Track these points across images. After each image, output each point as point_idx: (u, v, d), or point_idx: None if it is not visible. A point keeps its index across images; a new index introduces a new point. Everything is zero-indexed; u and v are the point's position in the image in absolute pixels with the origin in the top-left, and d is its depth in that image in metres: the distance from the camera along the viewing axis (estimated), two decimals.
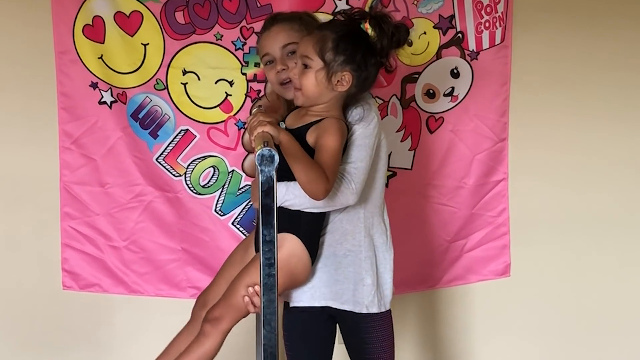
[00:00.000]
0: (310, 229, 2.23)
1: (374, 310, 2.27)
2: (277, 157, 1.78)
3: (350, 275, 2.26)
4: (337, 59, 2.12)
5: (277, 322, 1.80)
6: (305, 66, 2.14)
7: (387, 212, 2.36)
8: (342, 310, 2.27)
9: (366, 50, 2.14)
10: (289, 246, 2.17)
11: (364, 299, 2.26)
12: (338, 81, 2.13)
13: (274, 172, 1.78)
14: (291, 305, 2.33)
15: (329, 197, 2.13)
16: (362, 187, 2.19)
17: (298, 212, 2.17)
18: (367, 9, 2.30)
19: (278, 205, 2.08)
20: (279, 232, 1.98)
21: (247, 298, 2.15)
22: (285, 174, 2.07)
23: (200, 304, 2.33)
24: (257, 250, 2.27)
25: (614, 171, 3.10)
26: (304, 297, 2.29)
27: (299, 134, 2.13)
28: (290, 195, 2.14)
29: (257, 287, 2.14)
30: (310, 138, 2.13)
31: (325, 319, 2.32)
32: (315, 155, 2.09)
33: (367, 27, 2.14)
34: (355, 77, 2.14)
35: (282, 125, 2.23)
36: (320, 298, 2.28)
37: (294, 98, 2.20)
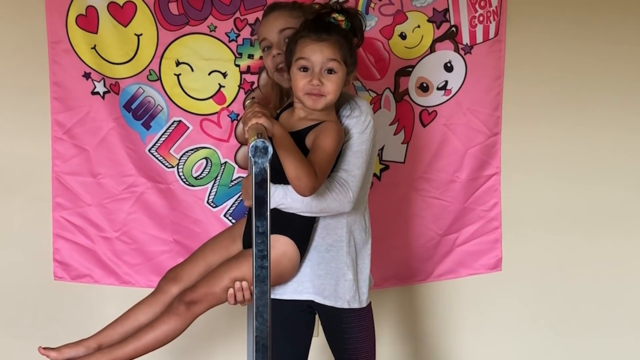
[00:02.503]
0: (303, 229, 2.24)
1: (355, 305, 2.30)
2: (270, 149, 1.77)
3: (332, 270, 2.28)
4: (352, 60, 2.18)
5: (269, 314, 1.80)
6: (330, 71, 2.15)
7: (368, 209, 2.38)
8: (324, 305, 2.29)
9: (352, 43, 2.19)
10: (282, 247, 2.19)
11: (346, 294, 2.28)
12: (348, 81, 2.18)
13: (268, 164, 1.78)
14: (273, 297, 2.32)
15: (326, 204, 2.17)
16: (358, 195, 2.22)
17: (292, 213, 2.18)
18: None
19: (273, 207, 2.10)
20: (273, 232, 2.00)
21: (231, 291, 2.17)
22: (279, 176, 2.09)
23: (170, 278, 2.32)
24: (245, 246, 2.28)
25: (607, 166, 3.11)
26: (287, 290, 2.31)
27: (298, 137, 2.14)
28: (288, 200, 2.16)
29: (244, 283, 2.17)
30: (308, 141, 2.14)
31: (305, 310, 2.34)
32: (310, 153, 2.10)
33: (339, 21, 2.18)
34: (353, 71, 2.21)
35: None
36: (303, 292, 2.30)
37: (313, 103, 2.17)
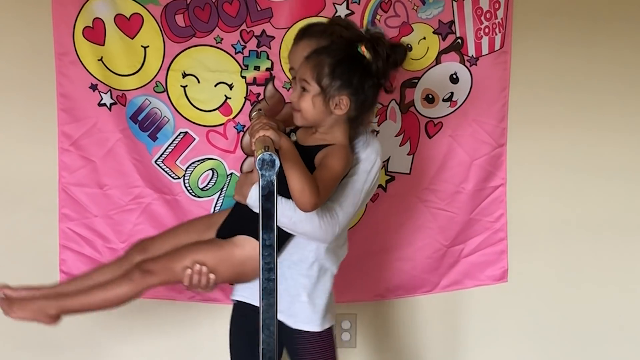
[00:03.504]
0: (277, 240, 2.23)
1: (309, 328, 2.29)
2: (277, 162, 1.78)
3: (289, 288, 2.29)
4: (333, 84, 2.15)
5: (276, 326, 1.80)
6: (304, 89, 2.17)
7: (347, 244, 2.41)
8: (280, 320, 2.26)
9: (363, 74, 2.16)
10: (251, 251, 2.20)
11: (299, 313, 2.29)
12: (336, 105, 2.16)
13: (275, 177, 1.78)
14: (231, 297, 2.39)
15: (311, 228, 2.19)
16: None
17: None
18: (363, 29, 2.35)
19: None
20: (247, 234, 2.03)
21: (189, 271, 2.18)
22: (281, 188, 2.08)
23: (138, 249, 2.35)
24: (219, 236, 2.28)
25: (613, 178, 3.11)
26: (246, 293, 2.33)
27: (309, 152, 2.15)
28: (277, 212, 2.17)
29: (204, 268, 2.18)
30: (317, 159, 2.16)
31: None
32: (316, 171, 2.12)
33: (364, 50, 2.16)
34: (354, 100, 2.17)
35: (293, 136, 2.25)
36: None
37: (294, 118, 2.23)
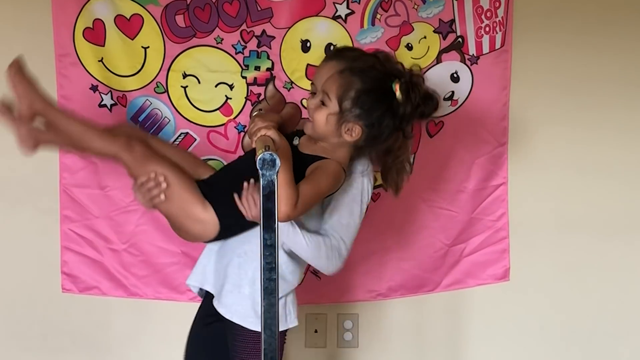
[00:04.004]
0: (237, 225, 2.23)
1: (246, 325, 2.24)
2: (278, 162, 1.78)
3: (234, 277, 2.25)
4: (353, 110, 2.12)
5: (277, 326, 1.80)
6: (323, 103, 2.15)
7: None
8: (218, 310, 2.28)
9: (386, 111, 2.13)
10: (207, 217, 2.19)
11: (238, 307, 2.24)
12: (347, 130, 2.13)
13: (276, 176, 1.78)
14: (187, 281, 2.38)
15: (319, 255, 2.20)
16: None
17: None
18: (407, 68, 2.25)
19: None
20: (214, 204, 2.13)
21: (152, 175, 2.17)
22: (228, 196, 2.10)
23: (136, 137, 2.29)
24: (206, 195, 2.22)
25: (615, 176, 3.10)
26: (195, 277, 2.35)
27: (304, 160, 2.13)
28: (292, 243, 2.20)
29: (164, 185, 2.18)
30: (308, 170, 2.14)
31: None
32: (302, 182, 2.09)
33: (397, 89, 2.12)
34: (366, 132, 2.14)
35: (297, 140, 2.24)
36: (207, 283, 2.32)
37: (305, 126, 2.22)
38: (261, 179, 1.78)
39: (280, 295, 2.21)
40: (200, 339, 2.43)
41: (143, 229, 2.93)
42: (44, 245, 2.95)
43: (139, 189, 2.21)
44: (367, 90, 2.13)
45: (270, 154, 1.78)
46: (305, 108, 2.87)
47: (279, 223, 2.09)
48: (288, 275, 2.28)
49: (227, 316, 2.25)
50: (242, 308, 2.24)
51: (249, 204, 2.14)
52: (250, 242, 2.24)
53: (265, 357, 1.81)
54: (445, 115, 2.97)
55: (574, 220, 3.11)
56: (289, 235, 2.19)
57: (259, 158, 1.78)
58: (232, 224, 2.22)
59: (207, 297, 2.37)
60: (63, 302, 2.97)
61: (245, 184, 2.14)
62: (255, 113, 2.47)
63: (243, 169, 2.21)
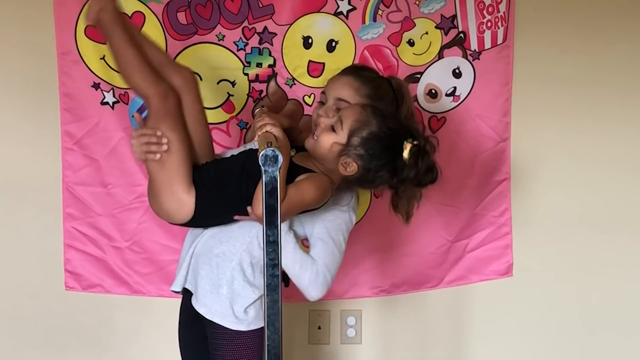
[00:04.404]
0: (215, 215, 2.23)
1: (225, 324, 2.24)
2: (280, 158, 1.78)
3: (212, 277, 2.26)
4: (358, 149, 2.10)
5: (281, 323, 1.80)
6: (333, 128, 2.13)
7: None
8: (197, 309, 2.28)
9: (387, 164, 2.10)
10: (184, 198, 2.15)
11: (216, 306, 2.25)
12: (345, 163, 2.12)
13: (278, 173, 1.79)
14: (171, 288, 2.37)
15: (302, 274, 2.19)
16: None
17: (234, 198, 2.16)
18: (419, 131, 2.20)
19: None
20: (197, 187, 2.10)
21: (160, 133, 2.14)
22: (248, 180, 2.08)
23: (175, 89, 2.25)
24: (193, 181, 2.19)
25: (617, 171, 3.10)
26: (178, 283, 2.34)
27: (296, 170, 2.13)
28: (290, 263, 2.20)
29: (164, 146, 2.13)
30: (298, 179, 2.12)
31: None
32: (290, 184, 2.08)
33: (407, 149, 2.09)
34: (360, 173, 2.13)
35: (293, 151, 2.22)
36: (187, 282, 2.31)
37: (306, 141, 2.21)
38: (263, 175, 1.78)
39: (256, 297, 2.25)
40: (188, 338, 2.44)
41: (146, 227, 2.94)
42: (47, 243, 2.95)
43: (139, 138, 2.16)
44: (380, 137, 2.10)
45: (273, 150, 1.78)
46: (308, 105, 2.87)
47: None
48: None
49: (208, 316, 2.25)
50: (221, 308, 2.25)
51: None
52: (228, 242, 2.26)
53: (268, 353, 1.81)
54: (448, 111, 2.97)
55: (577, 215, 3.11)
56: (285, 243, 2.19)
57: (261, 154, 1.79)
58: (204, 217, 2.21)
59: (186, 295, 2.37)
60: (66, 299, 2.98)
61: (249, 208, 2.12)
62: (258, 110, 2.47)
63: (232, 169, 2.20)
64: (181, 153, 2.16)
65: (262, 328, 2.19)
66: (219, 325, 2.24)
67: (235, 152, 2.34)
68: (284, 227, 2.19)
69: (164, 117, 2.17)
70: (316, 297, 2.24)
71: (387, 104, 2.26)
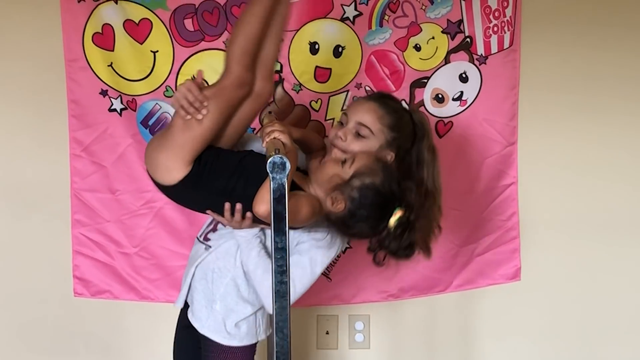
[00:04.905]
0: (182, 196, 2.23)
1: (217, 339, 2.25)
2: (288, 165, 1.78)
3: (207, 292, 2.27)
4: (353, 191, 2.07)
5: (289, 329, 1.81)
6: (344, 162, 2.11)
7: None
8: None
9: (370, 219, 2.09)
10: (180, 168, 2.12)
11: (210, 322, 2.26)
12: (335, 198, 2.09)
13: (286, 179, 1.79)
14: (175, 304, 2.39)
15: (262, 286, 2.17)
16: None
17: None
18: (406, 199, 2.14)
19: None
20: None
21: (206, 103, 2.10)
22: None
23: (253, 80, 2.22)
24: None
25: (624, 174, 3.10)
26: (180, 299, 2.35)
27: (293, 186, 2.09)
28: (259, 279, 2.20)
29: (200, 115, 2.09)
30: (292, 193, 2.07)
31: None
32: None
33: (396, 216, 2.08)
34: (343, 215, 2.10)
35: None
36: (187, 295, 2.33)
37: (312, 161, 2.24)
38: (271, 182, 1.78)
39: (249, 313, 2.26)
40: (182, 346, 2.45)
41: (154, 233, 2.94)
42: (55, 249, 2.96)
43: (188, 91, 2.09)
44: (378, 191, 2.07)
45: (281, 157, 1.78)
46: (314, 111, 2.88)
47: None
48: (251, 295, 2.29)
49: (202, 331, 2.27)
50: (214, 323, 2.26)
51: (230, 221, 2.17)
52: (224, 259, 2.27)
53: (277, 359, 1.81)
54: (454, 115, 2.97)
55: (585, 218, 3.11)
56: (250, 250, 2.20)
57: (269, 161, 1.79)
58: (181, 193, 2.18)
59: (185, 306, 2.38)
60: (75, 306, 2.99)
61: (227, 204, 2.12)
62: (265, 115, 2.47)
63: (229, 163, 2.17)
64: (206, 133, 2.13)
65: (256, 344, 2.28)
66: (211, 340, 2.26)
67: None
68: (253, 231, 2.21)
69: (222, 97, 2.14)
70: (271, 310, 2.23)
71: (405, 137, 2.23)
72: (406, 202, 2.09)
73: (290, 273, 2.09)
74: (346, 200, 2.07)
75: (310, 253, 2.22)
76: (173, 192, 2.18)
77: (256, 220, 2.14)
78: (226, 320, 2.25)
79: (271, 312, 2.13)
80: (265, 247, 2.23)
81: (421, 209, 2.14)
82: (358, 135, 2.19)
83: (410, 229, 2.09)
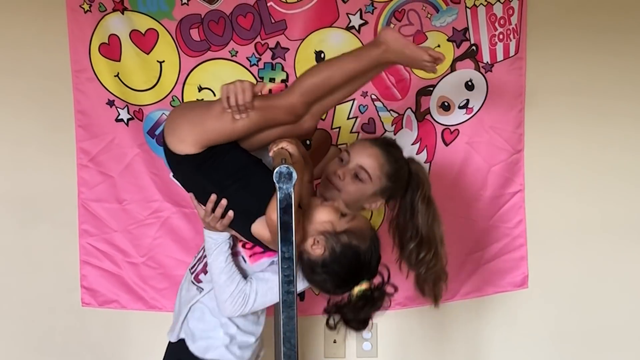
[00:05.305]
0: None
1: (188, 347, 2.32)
2: (295, 174, 1.79)
3: (182, 307, 2.35)
4: (337, 245, 2.09)
5: (297, 339, 1.81)
6: (342, 215, 2.13)
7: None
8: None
9: (339, 277, 2.11)
10: (193, 144, 2.13)
11: (180, 329, 2.35)
12: (317, 242, 2.10)
13: (292, 189, 1.79)
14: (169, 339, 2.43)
15: (224, 290, 2.22)
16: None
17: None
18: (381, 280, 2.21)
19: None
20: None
21: (250, 105, 2.10)
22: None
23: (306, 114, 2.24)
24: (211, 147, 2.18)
25: (631, 180, 3.09)
26: (174, 335, 2.40)
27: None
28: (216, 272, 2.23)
29: (244, 114, 2.10)
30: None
31: None
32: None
33: (361, 287, 2.11)
34: (317, 260, 2.11)
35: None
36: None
37: (314, 198, 2.24)
38: (278, 192, 1.79)
39: (252, 341, 2.33)
40: None
41: (161, 242, 2.95)
42: (63, 259, 2.96)
43: (241, 90, 2.09)
44: (358, 257, 2.11)
45: (287, 167, 1.78)
46: (321, 120, 2.87)
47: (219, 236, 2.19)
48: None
49: (206, 356, 2.31)
50: (220, 342, 2.31)
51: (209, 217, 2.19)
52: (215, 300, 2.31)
53: None
54: (461, 123, 2.97)
55: (592, 226, 3.10)
56: (218, 254, 2.23)
57: (276, 171, 1.79)
58: (183, 168, 2.20)
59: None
60: (83, 315, 2.99)
61: (213, 196, 2.14)
62: None
63: (235, 161, 2.19)
64: (234, 133, 2.14)
65: None
66: (178, 344, 2.33)
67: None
68: (223, 236, 2.23)
69: (267, 114, 2.15)
70: (228, 314, 2.25)
71: (399, 188, 2.28)
72: (383, 278, 2.16)
73: (256, 285, 2.20)
74: (326, 248, 2.09)
75: (265, 287, 2.24)
76: (173, 160, 2.19)
77: (231, 225, 2.16)
78: (229, 346, 2.30)
79: (227, 315, 2.24)
80: (231, 254, 2.26)
81: (421, 260, 2.25)
82: (356, 177, 2.24)
83: (371, 305, 2.13)
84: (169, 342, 2.42)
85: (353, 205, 2.25)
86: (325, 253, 2.09)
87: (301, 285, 2.18)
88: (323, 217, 2.12)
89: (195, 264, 2.41)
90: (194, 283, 2.37)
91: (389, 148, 2.30)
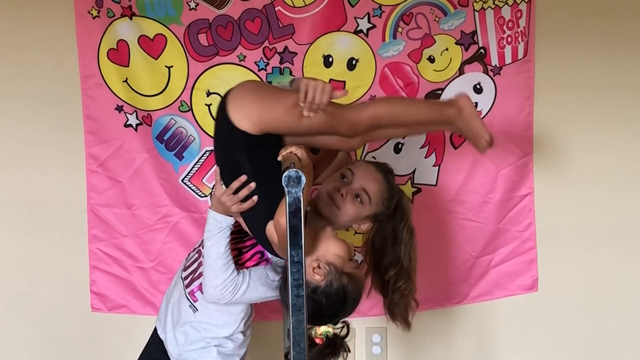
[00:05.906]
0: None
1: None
2: (304, 179, 1.79)
3: (169, 316, 2.42)
4: (335, 282, 2.16)
5: (306, 343, 1.81)
6: (352, 258, 2.22)
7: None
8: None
9: (318, 308, 2.15)
10: (255, 122, 2.15)
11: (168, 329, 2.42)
12: (320, 268, 2.16)
13: (301, 193, 1.79)
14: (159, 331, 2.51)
15: (216, 276, 2.26)
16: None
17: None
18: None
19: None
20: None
21: (321, 111, 2.14)
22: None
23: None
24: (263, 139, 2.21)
25: None
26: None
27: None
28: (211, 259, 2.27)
29: (315, 113, 2.13)
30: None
31: None
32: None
33: (329, 327, 2.22)
34: (315, 286, 2.16)
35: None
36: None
37: (325, 207, 2.30)
38: (287, 197, 1.79)
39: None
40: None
41: (170, 247, 2.95)
42: (72, 265, 2.97)
43: (321, 91, 2.11)
44: (346, 300, 2.20)
45: (296, 171, 1.79)
46: None
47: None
48: None
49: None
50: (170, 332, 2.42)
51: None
52: (206, 330, 2.37)
53: None
54: None
55: (601, 229, 3.09)
56: (219, 238, 2.26)
57: (285, 175, 1.79)
58: (229, 139, 2.20)
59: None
60: (92, 321, 3.00)
61: (244, 176, 2.15)
62: None
63: (262, 158, 2.20)
64: (296, 127, 2.17)
65: None
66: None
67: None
68: (229, 220, 2.26)
69: (333, 120, 2.19)
70: (213, 300, 2.29)
71: (387, 213, 2.35)
72: (347, 331, 2.27)
73: (249, 279, 2.26)
74: (326, 279, 2.16)
75: (256, 283, 2.29)
76: (227, 128, 2.18)
77: (248, 214, 2.18)
78: (178, 343, 2.41)
79: (211, 301, 2.28)
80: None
81: (398, 288, 2.35)
82: (357, 198, 2.29)
83: (331, 351, 2.23)
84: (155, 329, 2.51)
85: (344, 225, 2.33)
86: (322, 282, 2.16)
87: (270, 293, 2.28)
88: (338, 251, 2.18)
89: (189, 274, 2.43)
90: (188, 299, 2.40)
91: (388, 176, 2.38)
